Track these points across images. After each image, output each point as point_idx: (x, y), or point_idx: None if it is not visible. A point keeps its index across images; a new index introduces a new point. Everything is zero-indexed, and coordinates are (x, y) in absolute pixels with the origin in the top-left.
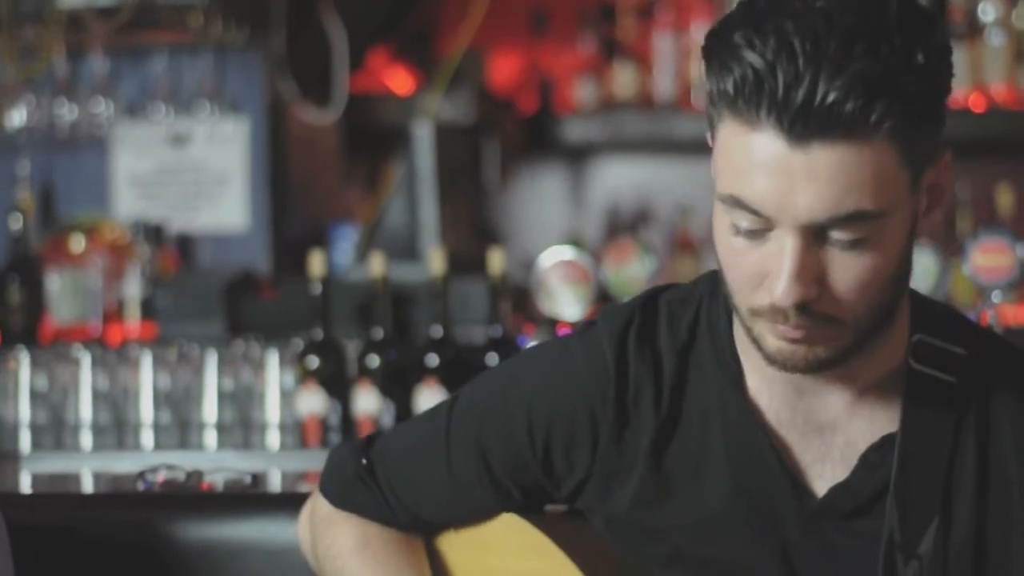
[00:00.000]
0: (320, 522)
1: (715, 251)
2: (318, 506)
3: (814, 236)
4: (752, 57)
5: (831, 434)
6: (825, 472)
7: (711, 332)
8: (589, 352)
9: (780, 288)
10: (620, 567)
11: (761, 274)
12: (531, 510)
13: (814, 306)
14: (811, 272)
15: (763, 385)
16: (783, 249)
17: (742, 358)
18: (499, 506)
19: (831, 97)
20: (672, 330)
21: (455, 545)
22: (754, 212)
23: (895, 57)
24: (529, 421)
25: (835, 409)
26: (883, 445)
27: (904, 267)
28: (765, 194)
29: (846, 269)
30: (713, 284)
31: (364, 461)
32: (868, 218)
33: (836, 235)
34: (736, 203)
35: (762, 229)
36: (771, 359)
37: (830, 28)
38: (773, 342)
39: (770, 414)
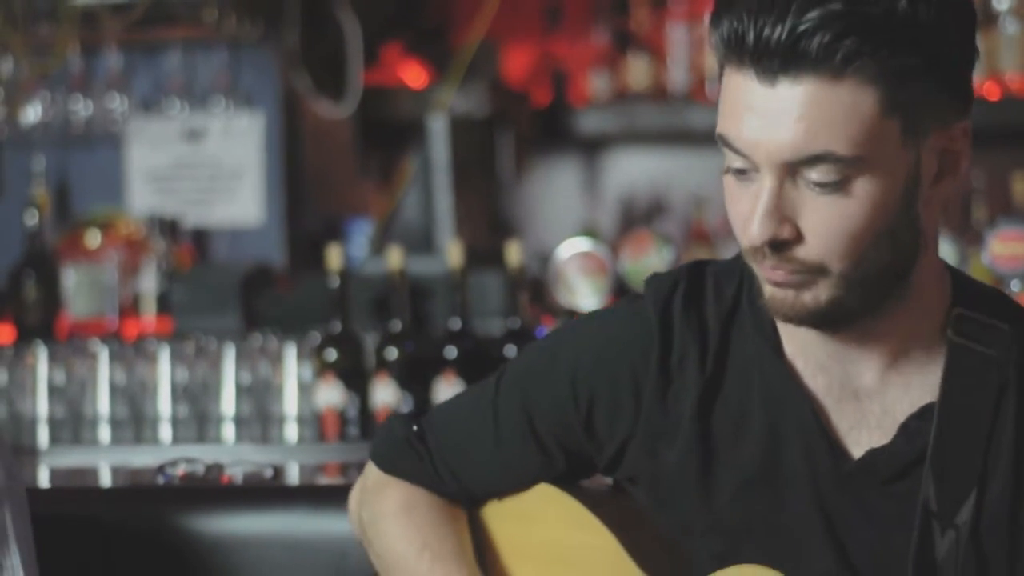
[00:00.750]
0: (369, 488)
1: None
2: (368, 473)
3: (790, 176)
4: (740, 4)
5: (867, 401)
6: (862, 438)
7: (752, 300)
8: (634, 315)
9: (753, 225)
10: (660, 540)
11: (748, 215)
12: (576, 480)
13: (791, 248)
14: (784, 211)
15: (798, 351)
16: (762, 187)
17: (779, 325)
18: (543, 472)
19: (798, 30)
20: (717, 297)
21: (497, 516)
22: (735, 150)
23: (873, 1)
24: (573, 381)
25: (869, 376)
26: (922, 414)
27: (903, 226)
28: (741, 132)
29: (819, 212)
30: None
31: (415, 428)
32: (840, 161)
33: (810, 176)
34: (723, 141)
35: (748, 169)
36: (767, 306)
37: None
38: (766, 288)
39: (807, 378)
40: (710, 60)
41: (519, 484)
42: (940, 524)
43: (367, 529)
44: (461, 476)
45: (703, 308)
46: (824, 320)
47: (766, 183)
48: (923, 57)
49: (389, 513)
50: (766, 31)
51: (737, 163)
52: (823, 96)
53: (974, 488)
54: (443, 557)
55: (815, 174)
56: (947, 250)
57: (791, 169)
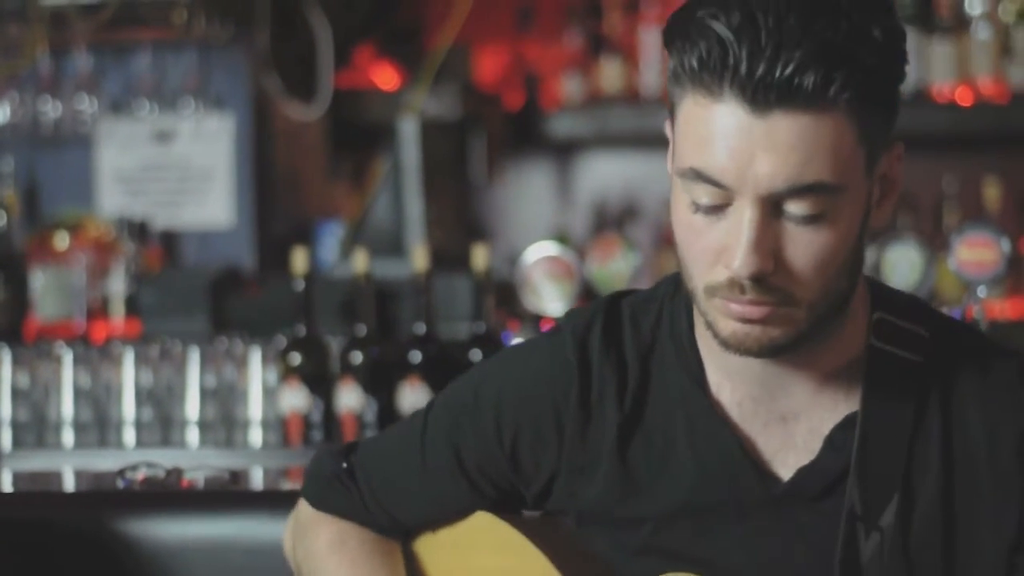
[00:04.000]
0: (300, 525)
1: (673, 233)
2: (300, 510)
3: (772, 209)
4: (718, 29)
5: (794, 422)
6: (789, 460)
7: (672, 331)
8: (554, 352)
9: (739, 259)
10: (594, 563)
11: (719, 250)
12: (507, 511)
13: (770, 281)
14: (768, 244)
15: (724, 379)
16: (742, 221)
17: (703, 354)
18: (473, 504)
19: (792, 66)
20: (635, 331)
21: (431, 546)
22: (714, 183)
23: (853, 31)
24: (497, 417)
25: (798, 399)
26: (846, 425)
27: (857, 254)
28: (726, 163)
29: (802, 245)
30: (675, 286)
31: (344, 464)
32: (827, 191)
33: (793, 209)
34: (697, 176)
35: (721, 204)
36: (725, 343)
37: (790, 5)
38: (727, 324)
39: (732, 407)
40: None
41: (450, 516)
42: (865, 527)
43: (302, 565)
44: (391, 510)
45: (621, 345)
46: (781, 351)
47: (748, 215)
48: (884, 82)
49: (322, 550)
50: (761, 65)
51: (706, 199)
52: (813, 128)
53: (898, 491)
54: None
55: (798, 207)
56: (915, 255)
57: (774, 201)
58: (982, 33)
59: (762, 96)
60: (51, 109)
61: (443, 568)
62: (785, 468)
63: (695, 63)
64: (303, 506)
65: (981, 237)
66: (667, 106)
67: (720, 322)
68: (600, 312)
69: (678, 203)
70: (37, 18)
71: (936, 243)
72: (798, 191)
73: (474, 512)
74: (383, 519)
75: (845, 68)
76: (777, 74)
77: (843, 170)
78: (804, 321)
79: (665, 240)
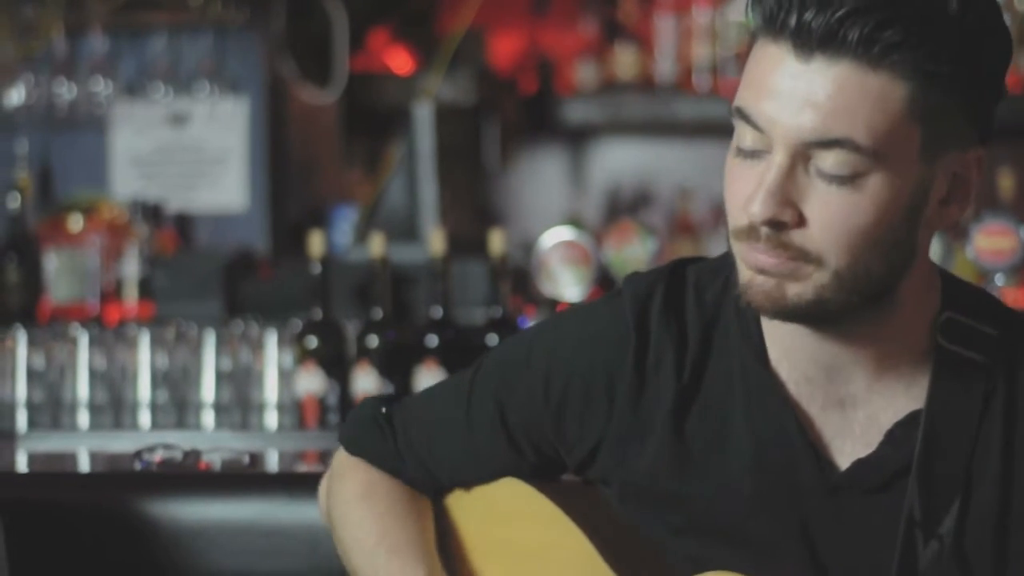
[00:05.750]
0: (334, 471)
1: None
2: (335, 457)
3: (803, 161)
4: None
5: (852, 409)
6: (846, 447)
7: (737, 303)
8: (612, 315)
9: (756, 201)
10: (630, 538)
11: (749, 195)
12: (546, 478)
13: (787, 235)
14: (789, 193)
15: (784, 357)
16: (770, 167)
17: (765, 331)
18: (511, 465)
19: (841, 12)
20: (698, 300)
21: (465, 514)
22: (751, 123)
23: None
24: (547, 376)
25: (855, 385)
26: (908, 422)
27: (902, 239)
28: (765, 105)
29: (826, 203)
30: None
31: (384, 409)
32: (857, 151)
33: (822, 164)
34: (739, 114)
35: (761, 150)
36: (743, 294)
37: None
38: (744, 272)
39: (791, 386)
40: (697, 51)
41: (485, 475)
42: (924, 534)
43: (331, 511)
44: (426, 462)
45: (683, 313)
46: (799, 313)
47: (776, 160)
48: (958, 68)
49: (351, 498)
50: (808, 12)
51: (747, 141)
52: (855, 81)
53: (958, 497)
54: (400, 549)
55: (828, 162)
56: (932, 244)
57: (805, 152)
58: None
59: (807, 39)
60: (66, 91)
61: (476, 536)
62: (842, 456)
63: (761, 12)
64: (338, 453)
65: (999, 226)
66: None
67: (740, 269)
68: (663, 278)
69: (730, 149)
70: (53, 0)
71: (952, 232)
72: (827, 143)
73: (510, 475)
74: (415, 468)
75: (898, 28)
76: (825, 18)
77: (883, 137)
78: (826, 288)
79: (678, 227)
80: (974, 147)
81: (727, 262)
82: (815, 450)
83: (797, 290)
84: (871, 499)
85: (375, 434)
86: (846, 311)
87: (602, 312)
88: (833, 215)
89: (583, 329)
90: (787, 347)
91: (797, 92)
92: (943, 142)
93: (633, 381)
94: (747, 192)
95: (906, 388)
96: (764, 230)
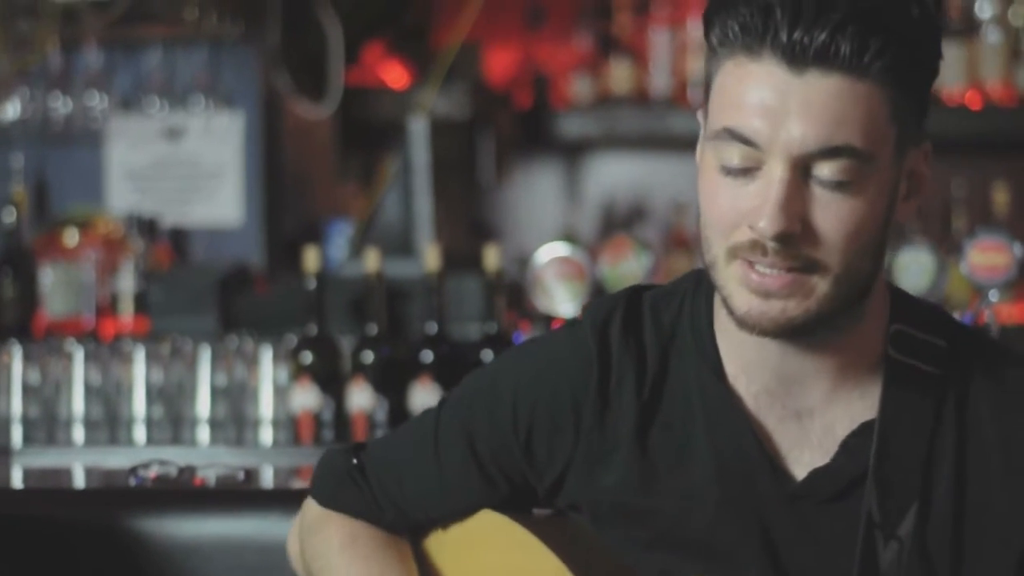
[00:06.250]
0: (308, 526)
1: (698, 200)
2: (307, 509)
3: (801, 172)
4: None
5: (808, 420)
6: (803, 457)
7: (692, 323)
8: (574, 341)
9: (766, 217)
10: (606, 559)
11: (744, 212)
12: (517, 509)
13: (795, 245)
14: (796, 207)
15: (741, 372)
16: (771, 182)
17: (721, 347)
18: (485, 498)
19: (830, 28)
20: (655, 322)
21: (442, 546)
22: (747, 142)
23: (893, 4)
24: (514, 406)
25: (813, 396)
26: (862, 431)
27: (881, 239)
28: (760, 122)
29: (829, 211)
30: (696, 280)
31: (355, 461)
32: (856, 157)
33: (823, 172)
34: (730, 135)
35: (751, 167)
36: (742, 321)
37: None
38: (744, 299)
39: (748, 400)
40: (693, 65)
41: (461, 511)
42: (883, 535)
43: (311, 565)
44: (402, 505)
45: (641, 334)
46: (797, 330)
47: (778, 174)
48: (920, 68)
49: (334, 548)
50: (800, 26)
51: (735, 159)
52: (848, 91)
53: (915, 501)
54: None
55: (828, 170)
56: (926, 260)
57: (804, 164)
58: (992, 37)
59: (800, 55)
60: (61, 105)
61: (453, 567)
62: (799, 466)
63: (737, 26)
64: (311, 506)
65: (993, 241)
66: (703, 88)
67: (737, 296)
68: (621, 303)
69: (705, 170)
70: (48, 14)
71: (946, 247)
72: (828, 152)
73: (484, 508)
74: (393, 516)
75: (881, 36)
76: (816, 35)
77: (874, 140)
78: (826, 296)
79: (673, 241)
80: (924, 141)
81: (682, 285)
82: (772, 461)
83: (803, 307)
84: (830, 507)
85: (350, 488)
86: (834, 317)
87: (563, 339)
88: (836, 221)
89: (546, 356)
90: (747, 361)
91: (792, 104)
92: (907, 140)
93: (597, 403)
94: (743, 208)
95: (860, 398)
96: (772, 245)
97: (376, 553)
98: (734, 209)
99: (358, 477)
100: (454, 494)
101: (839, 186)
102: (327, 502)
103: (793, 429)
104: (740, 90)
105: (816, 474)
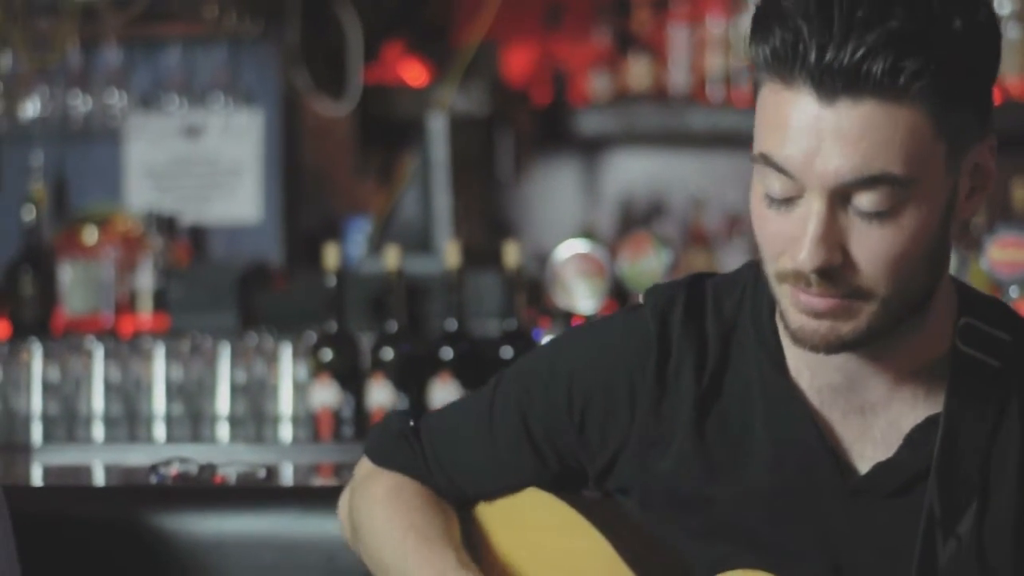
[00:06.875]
0: (358, 480)
1: (750, 217)
2: (359, 467)
3: (840, 202)
4: (792, 16)
5: (872, 415)
6: (866, 451)
7: (754, 315)
8: (633, 325)
9: (804, 252)
10: (653, 546)
11: (787, 239)
12: (567, 489)
13: (837, 274)
14: (835, 237)
15: (804, 367)
16: (809, 213)
17: (783, 340)
18: (535, 476)
19: (860, 53)
20: (717, 311)
21: (489, 523)
22: (782, 172)
23: (931, 20)
24: (569, 386)
25: (877, 392)
26: (927, 426)
27: (940, 249)
28: (793, 152)
29: (871, 241)
30: (757, 272)
31: (411, 424)
32: (896, 183)
33: (862, 203)
34: (766, 161)
35: (792, 197)
36: (794, 336)
37: None
38: (796, 317)
39: (811, 394)
40: (711, 61)
41: (510, 486)
42: (943, 533)
43: (355, 517)
44: (452, 474)
45: (702, 322)
46: (850, 347)
47: (815, 207)
48: (972, 77)
49: (377, 498)
50: (829, 51)
51: (777, 189)
52: (883, 117)
53: (976, 498)
54: (429, 538)
55: (866, 200)
56: None
57: (842, 194)
58: (1011, 32)
59: (829, 83)
60: (81, 103)
61: (500, 544)
62: (862, 461)
63: (769, 51)
64: (362, 463)
65: (1013, 237)
66: (752, 86)
67: (790, 313)
68: (683, 290)
69: (755, 190)
70: (68, 12)
71: (966, 243)
72: (865, 182)
73: (534, 485)
74: (443, 481)
75: (917, 57)
76: (845, 61)
77: (916, 163)
78: (876, 316)
79: (692, 238)
80: (988, 135)
81: (743, 276)
82: (835, 455)
83: (852, 326)
84: (891, 502)
85: (403, 448)
86: (891, 330)
87: (623, 323)
88: (878, 250)
89: (604, 340)
90: (809, 358)
91: (825, 134)
92: (964, 145)
93: (654, 388)
94: (786, 236)
95: (926, 392)
96: (814, 276)
97: (418, 505)
98: (778, 236)
99: (412, 440)
100: (505, 469)
101: (878, 216)
102: (379, 460)
103: (856, 424)
104: (776, 117)
105: (879, 468)
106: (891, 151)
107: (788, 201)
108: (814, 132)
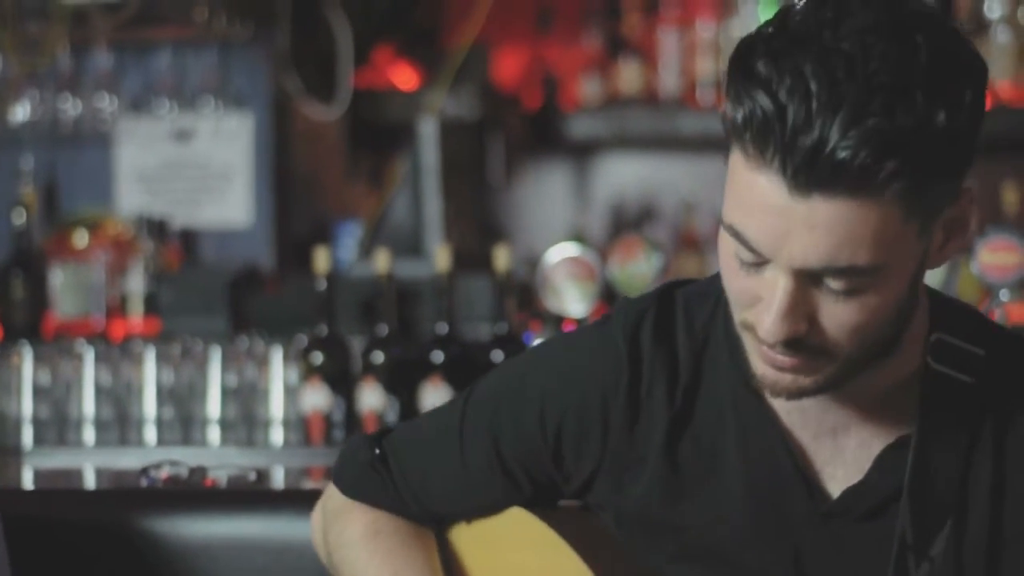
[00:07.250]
0: (331, 513)
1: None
2: (330, 497)
3: (808, 278)
4: (765, 95)
5: (844, 436)
6: (837, 474)
7: (726, 330)
8: (604, 343)
9: (769, 322)
10: (628, 563)
11: (755, 296)
12: (541, 506)
13: (802, 340)
14: (801, 311)
15: None
16: (775, 285)
17: None
18: (509, 498)
19: (839, 150)
20: (688, 325)
21: (465, 539)
22: (749, 248)
23: (914, 116)
24: (541, 408)
25: (847, 413)
26: (898, 447)
27: (909, 301)
28: (761, 234)
29: (838, 312)
30: None
31: (377, 451)
32: (863, 273)
33: (830, 283)
34: (735, 234)
35: (759, 263)
36: (758, 383)
37: (850, 75)
38: (758, 364)
39: (783, 414)
40: (701, 65)
41: (484, 509)
42: (915, 557)
43: (334, 554)
44: (424, 500)
45: (673, 340)
46: (812, 395)
47: (782, 282)
48: (948, 161)
49: (356, 539)
50: (806, 137)
51: (745, 255)
52: (856, 213)
53: (950, 519)
54: None
55: (834, 283)
56: None
57: (809, 273)
58: (1001, 36)
59: (804, 176)
60: (71, 107)
61: (476, 563)
62: (834, 483)
63: (741, 123)
64: (333, 492)
65: (1004, 241)
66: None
67: (753, 359)
68: (653, 303)
69: (723, 244)
70: (58, 16)
71: None
72: (833, 272)
73: (506, 506)
74: (416, 508)
75: (897, 158)
76: (822, 156)
77: (885, 251)
78: (840, 369)
79: (683, 242)
80: (965, 191)
81: (716, 285)
82: (806, 478)
83: (813, 379)
84: (863, 526)
85: (373, 479)
86: (853, 377)
87: (593, 340)
88: (845, 321)
89: (575, 360)
90: None
91: (795, 223)
92: (937, 211)
93: (626, 409)
94: (754, 294)
95: (897, 412)
96: (779, 346)
97: (398, 548)
98: (746, 293)
99: (380, 468)
100: (477, 493)
101: (847, 293)
102: (350, 492)
103: (828, 445)
104: (745, 193)
105: (851, 492)
106: (860, 245)
107: (757, 265)
108: (784, 217)
